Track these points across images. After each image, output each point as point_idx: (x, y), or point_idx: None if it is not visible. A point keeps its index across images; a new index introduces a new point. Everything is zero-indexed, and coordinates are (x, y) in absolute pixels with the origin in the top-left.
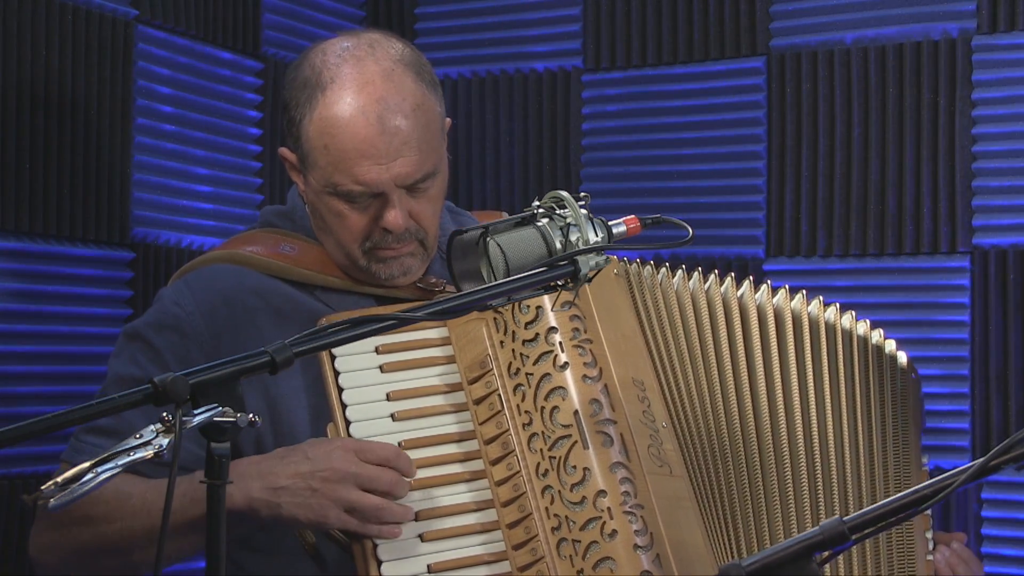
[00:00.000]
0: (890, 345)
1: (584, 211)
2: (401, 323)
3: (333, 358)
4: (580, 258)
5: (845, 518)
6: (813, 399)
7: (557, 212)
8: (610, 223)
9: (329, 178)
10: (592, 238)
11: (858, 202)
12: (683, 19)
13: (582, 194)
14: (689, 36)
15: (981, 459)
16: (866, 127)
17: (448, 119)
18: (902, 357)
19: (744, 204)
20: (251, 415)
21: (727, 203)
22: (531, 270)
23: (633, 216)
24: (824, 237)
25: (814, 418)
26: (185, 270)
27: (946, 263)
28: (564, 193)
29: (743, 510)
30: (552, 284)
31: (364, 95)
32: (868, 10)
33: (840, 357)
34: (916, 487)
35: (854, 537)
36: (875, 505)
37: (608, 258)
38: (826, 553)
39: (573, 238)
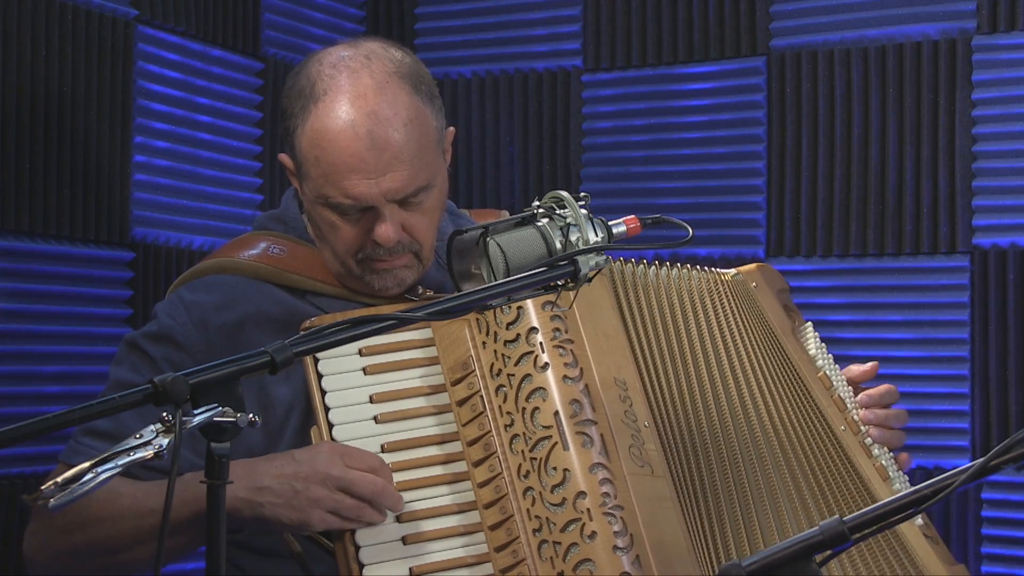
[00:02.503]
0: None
1: (584, 211)
2: (401, 323)
3: (316, 360)
4: (580, 258)
5: (845, 518)
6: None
7: (557, 212)
8: (610, 223)
9: (320, 190)
10: (592, 238)
11: (858, 202)
12: (683, 19)
13: (582, 194)
14: (689, 36)
15: (981, 459)
16: (866, 127)
17: (451, 128)
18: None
19: (744, 204)
20: (251, 415)
21: (727, 203)
22: (531, 270)
23: (633, 216)
24: (824, 237)
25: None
26: (178, 283)
27: (946, 263)
28: (564, 193)
29: (729, 509)
30: (552, 284)
31: (355, 108)
32: (868, 10)
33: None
34: (916, 487)
35: (854, 537)
36: (875, 505)
37: (608, 258)
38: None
39: (573, 238)
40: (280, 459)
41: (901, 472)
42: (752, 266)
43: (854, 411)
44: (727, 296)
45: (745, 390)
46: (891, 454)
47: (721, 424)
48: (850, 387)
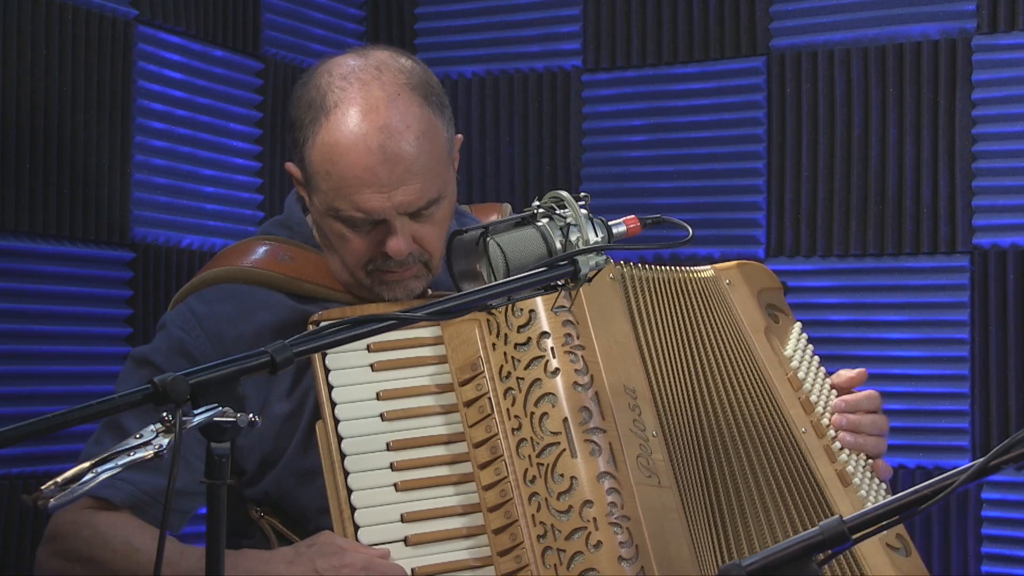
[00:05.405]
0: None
1: (584, 211)
2: (401, 323)
3: (324, 355)
4: (580, 258)
5: (845, 518)
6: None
7: (557, 212)
8: (610, 223)
9: (331, 203)
10: (592, 238)
11: (858, 202)
12: (683, 19)
13: (582, 194)
14: (689, 36)
15: (981, 459)
16: (866, 127)
17: (459, 136)
18: (709, 271)
19: (744, 204)
20: (251, 415)
21: (727, 203)
22: (531, 270)
23: (633, 216)
24: (824, 237)
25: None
26: (185, 293)
27: (946, 263)
28: (564, 193)
29: (733, 521)
30: (552, 284)
31: (367, 122)
32: (868, 10)
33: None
34: (916, 487)
35: (854, 537)
36: (875, 505)
37: (608, 258)
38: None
39: (573, 238)
40: (302, 564)
41: (875, 479)
42: (731, 263)
43: (826, 414)
44: (695, 294)
45: (714, 390)
46: (866, 460)
47: (709, 430)
48: (833, 391)
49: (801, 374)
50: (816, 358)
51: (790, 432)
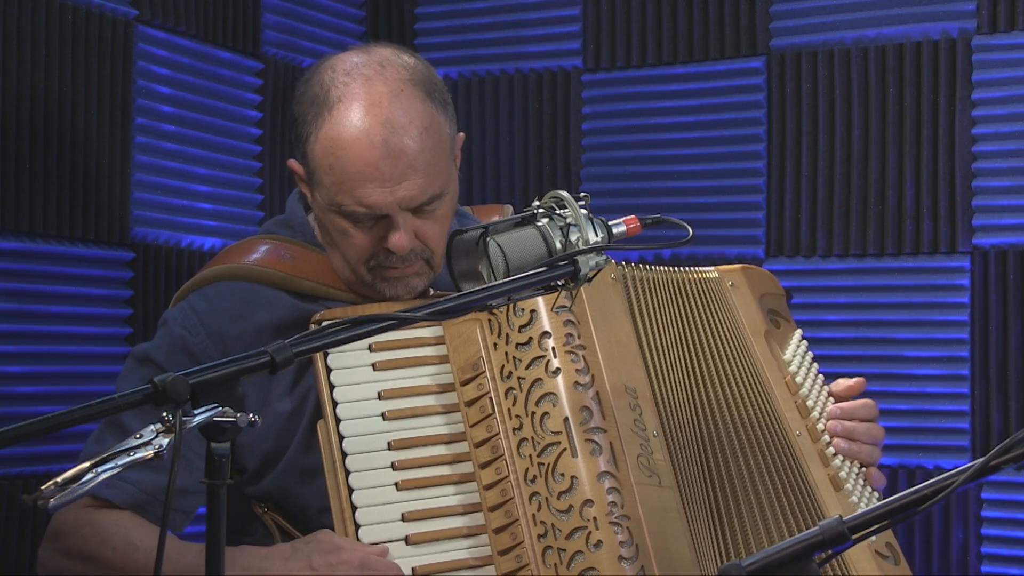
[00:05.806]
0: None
1: (584, 211)
2: (401, 323)
3: (325, 355)
4: (580, 258)
5: (845, 518)
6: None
7: (557, 212)
8: (610, 223)
9: (333, 198)
10: (592, 238)
11: (858, 202)
12: (683, 19)
13: (582, 194)
14: (689, 36)
15: (981, 459)
16: (866, 127)
17: (461, 134)
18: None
19: (744, 204)
20: (251, 415)
21: (727, 203)
22: (531, 270)
23: (633, 216)
24: (824, 237)
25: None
26: (187, 290)
27: (946, 263)
28: (564, 193)
29: (732, 521)
30: (552, 284)
31: (370, 117)
32: (868, 10)
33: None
34: (916, 487)
35: (854, 537)
36: (875, 505)
37: (608, 258)
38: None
39: (573, 238)
40: (298, 560)
41: (867, 487)
42: (736, 266)
43: (821, 420)
44: (696, 295)
45: (712, 391)
46: (859, 468)
47: (708, 430)
48: (831, 397)
49: (799, 379)
50: (815, 365)
51: (784, 435)
